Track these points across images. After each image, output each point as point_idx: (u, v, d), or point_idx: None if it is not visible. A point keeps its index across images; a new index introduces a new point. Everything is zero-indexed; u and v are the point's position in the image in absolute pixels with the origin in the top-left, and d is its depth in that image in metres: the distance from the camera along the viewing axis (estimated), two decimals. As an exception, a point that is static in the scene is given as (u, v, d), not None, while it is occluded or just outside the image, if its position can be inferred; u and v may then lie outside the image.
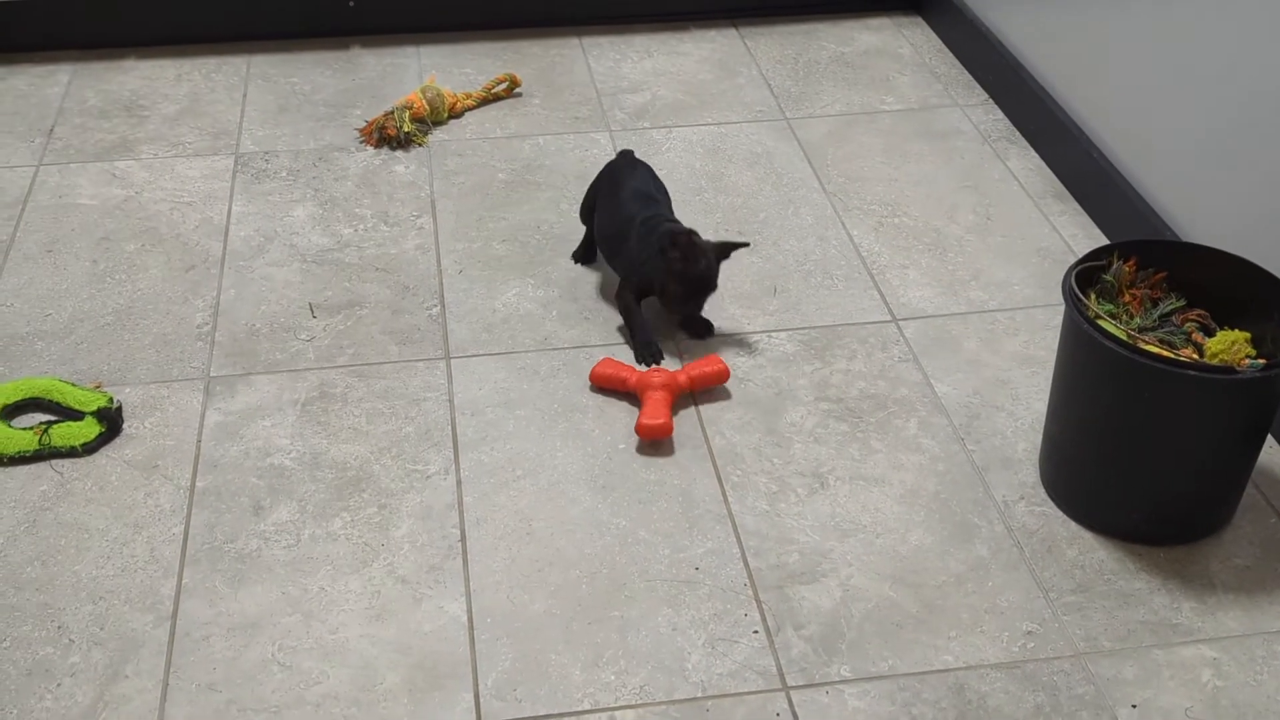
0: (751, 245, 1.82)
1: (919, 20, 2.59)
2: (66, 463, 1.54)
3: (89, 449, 1.55)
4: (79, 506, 1.49)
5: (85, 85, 2.34)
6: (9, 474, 1.53)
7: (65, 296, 1.82)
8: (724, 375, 1.66)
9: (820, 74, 2.41)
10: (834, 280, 1.87)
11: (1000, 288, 1.86)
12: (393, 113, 2.20)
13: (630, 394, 1.65)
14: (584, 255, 1.91)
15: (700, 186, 2.09)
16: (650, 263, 1.70)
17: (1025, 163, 2.14)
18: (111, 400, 1.59)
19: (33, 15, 2.37)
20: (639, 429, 1.57)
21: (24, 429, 1.56)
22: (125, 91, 2.32)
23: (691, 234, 1.69)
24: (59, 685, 1.28)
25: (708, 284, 1.70)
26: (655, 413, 1.58)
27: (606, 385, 1.65)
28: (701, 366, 1.66)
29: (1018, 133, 2.22)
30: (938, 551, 1.45)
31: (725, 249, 1.72)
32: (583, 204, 1.91)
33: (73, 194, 2.04)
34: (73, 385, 1.62)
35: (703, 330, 1.76)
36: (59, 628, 1.34)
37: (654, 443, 1.59)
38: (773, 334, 1.77)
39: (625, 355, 1.73)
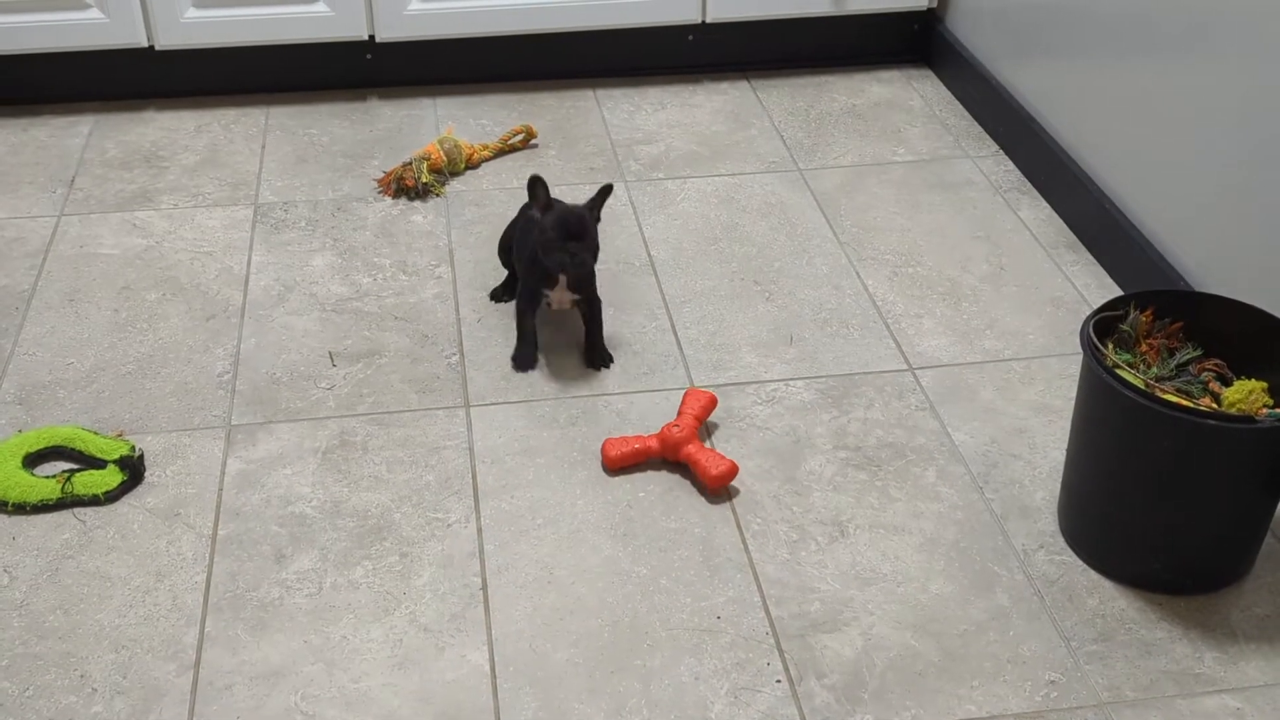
0: (613, 191, 1.82)
1: (929, 73, 2.62)
2: (89, 511, 1.55)
3: (111, 497, 1.56)
4: (101, 555, 1.49)
5: (106, 136, 2.37)
6: (31, 522, 1.53)
7: (87, 345, 1.83)
8: (714, 401, 1.69)
9: (832, 125, 2.44)
10: (849, 329, 1.89)
11: (1015, 337, 1.87)
12: (411, 164, 2.22)
13: (656, 461, 1.64)
14: (503, 292, 1.94)
15: (715, 236, 2.11)
16: (530, 243, 1.75)
17: (1037, 213, 2.16)
18: (133, 448, 1.60)
19: (54, 68, 2.40)
20: (712, 482, 1.57)
21: (47, 477, 1.57)
22: (145, 142, 2.35)
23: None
24: (83, 734, 1.29)
25: (574, 224, 1.71)
26: (716, 460, 1.58)
27: (627, 463, 1.63)
28: (693, 403, 1.67)
29: (1029, 183, 2.24)
30: (959, 600, 1.45)
31: (594, 201, 1.75)
32: (500, 244, 1.96)
33: (94, 244, 2.06)
34: (95, 434, 1.63)
35: (599, 361, 1.80)
36: (81, 676, 1.34)
37: (671, 491, 1.59)
38: (790, 382, 1.78)
39: (623, 421, 1.74)
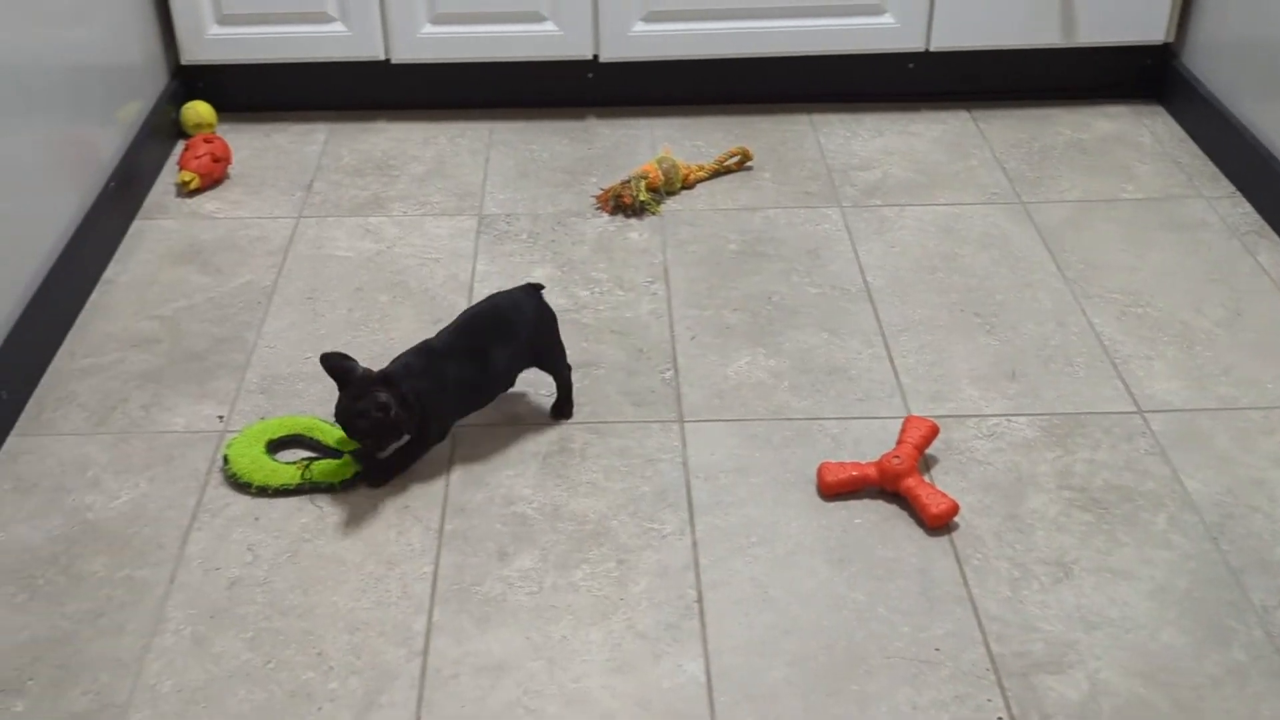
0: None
1: (1160, 110, 2.55)
2: (324, 497, 1.62)
3: (345, 486, 1.63)
4: (337, 540, 1.56)
5: (341, 144, 2.48)
6: (274, 505, 1.61)
7: (323, 341, 1.92)
8: (936, 430, 1.66)
9: (1056, 159, 2.39)
10: (1074, 367, 1.84)
11: (1253, 385, 1.80)
12: (629, 182, 2.26)
13: (873, 488, 1.63)
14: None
15: (934, 266, 2.08)
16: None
17: (1277, 258, 2.08)
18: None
19: (296, 77, 2.53)
20: (931, 520, 1.55)
21: (288, 463, 1.65)
22: (377, 152, 2.45)
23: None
24: (319, 709, 1.34)
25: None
26: (937, 498, 1.57)
27: (843, 490, 1.62)
28: (914, 431, 1.65)
29: (1269, 227, 2.15)
30: (1191, 652, 1.40)
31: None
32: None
33: (330, 245, 2.16)
34: (332, 425, 1.70)
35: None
36: (319, 654, 1.40)
37: (888, 520, 1.58)
38: (1011, 418, 1.75)
39: (837, 446, 1.73)
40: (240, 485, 1.62)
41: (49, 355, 1.86)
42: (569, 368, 1.77)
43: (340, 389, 1.58)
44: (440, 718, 1.33)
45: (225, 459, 1.65)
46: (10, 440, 1.71)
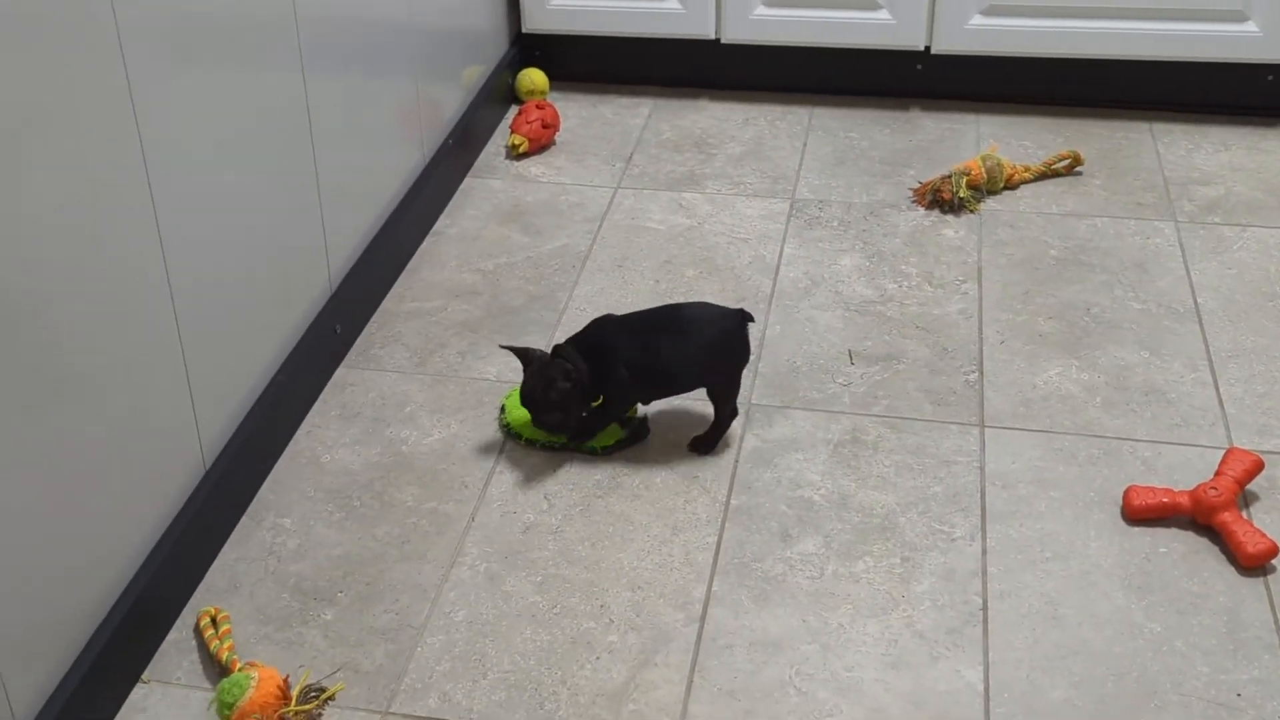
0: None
1: None
2: (618, 458, 1.67)
3: (607, 451, 1.66)
4: (627, 501, 1.60)
5: (662, 119, 2.53)
6: (571, 459, 1.67)
7: (629, 308, 1.96)
8: (1260, 466, 1.55)
9: None
10: None
11: None
12: (950, 177, 2.21)
13: (1183, 518, 1.54)
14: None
15: (1275, 293, 1.94)
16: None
17: None
18: (636, 410, 1.70)
19: (626, 52, 2.59)
20: (1247, 560, 1.46)
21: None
22: (697, 129, 2.49)
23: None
24: (597, 658, 1.39)
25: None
26: (1255, 536, 1.47)
27: (1151, 515, 1.54)
28: (1235, 464, 1.54)
29: None
30: None
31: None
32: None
33: (643, 217, 2.21)
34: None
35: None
36: (601, 606, 1.45)
37: (1197, 553, 1.49)
38: (1350, 462, 1.61)
39: (1148, 470, 1.63)
40: (512, 435, 1.69)
41: (380, 296, 2.00)
42: (734, 411, 1.66)
43: (525, 369, 1.63)
44: (712, 684, 1.35)
45: (502, 408, 1.73)
46: (339, 371, 1.85)
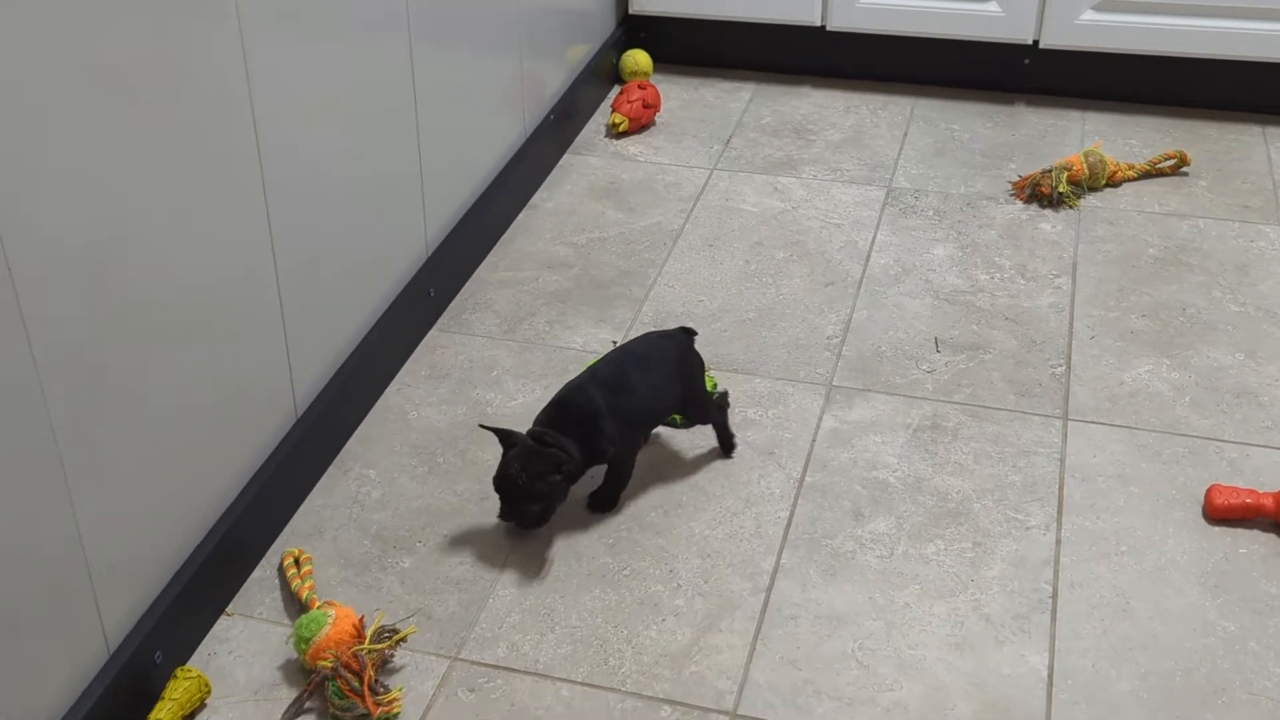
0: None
1: None
2: (694, 432, 1.69)
3: (684, 424, 1.68)
4: (701, 471, 1.62)
5: (763, 104, 2.54)
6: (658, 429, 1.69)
7: (717, 288, 1.99)
8: None
9: None
10: None
11: None
12: (1050, 171, 2.19)
13: (1266, 520, 1.51)
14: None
15: (1381, 300, 1.89)
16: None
17: None
18: (715, 387, 1.72)
19: (730, 36, 2.61)
20: None
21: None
22: (797, 115, 2.50)
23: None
24: (663, 620, 1.41)
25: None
26: None
27: (1233, 515, 1.52)
28: None
29: None
30: None
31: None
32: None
33: (737, 199, 2.23)
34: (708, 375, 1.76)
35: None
36: (670, 571, 1.47)
37: (1277, 556, 1.46)
38: None
39: (1234, 471, 1.60)
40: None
41: (474, 264, 2.04)
42: (720, 411, 1.64)
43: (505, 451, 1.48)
44: (774, 653, 1.37)
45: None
46: (431, 334, 1.89)
